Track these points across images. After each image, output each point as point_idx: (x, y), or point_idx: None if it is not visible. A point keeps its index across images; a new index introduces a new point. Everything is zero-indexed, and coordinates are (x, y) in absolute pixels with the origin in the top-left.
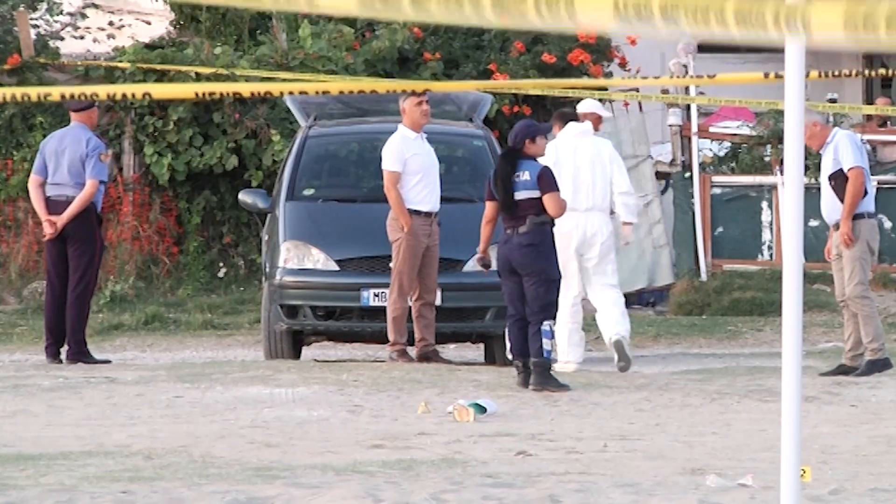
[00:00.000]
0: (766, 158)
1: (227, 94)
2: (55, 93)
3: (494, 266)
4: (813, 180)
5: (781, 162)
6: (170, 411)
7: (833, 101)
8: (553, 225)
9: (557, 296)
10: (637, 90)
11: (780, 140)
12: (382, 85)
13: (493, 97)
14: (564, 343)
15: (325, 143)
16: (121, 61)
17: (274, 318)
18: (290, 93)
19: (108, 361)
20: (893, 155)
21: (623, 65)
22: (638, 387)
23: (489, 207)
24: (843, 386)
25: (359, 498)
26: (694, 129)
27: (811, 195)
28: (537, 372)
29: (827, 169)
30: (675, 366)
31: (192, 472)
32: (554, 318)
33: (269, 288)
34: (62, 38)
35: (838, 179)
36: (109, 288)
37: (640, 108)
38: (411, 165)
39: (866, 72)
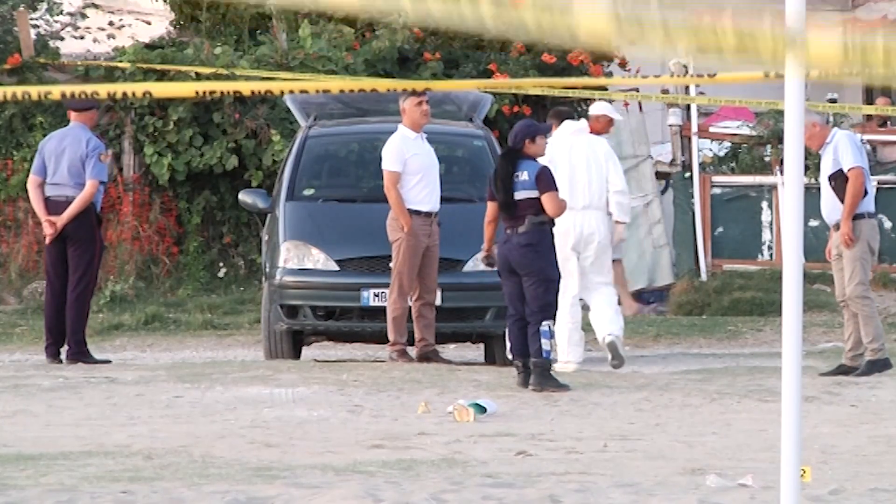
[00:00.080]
0: (766, 158)
1: (227, 92)
2: (55, 91)
3: None
4: (813, 180)
5: (781, 162)
6: (170, 411)
7: (833, 101)
8: (553, 225)
9: (557, 296)
10: (637, 90)
11: (780, 140)
12: (382, 84)
13: (493, 97)
14: (564, 343)
15: (325, 143)
16: (121, 61)
17: (274, 318)
18: (290, 91)
19: (108, 361)
20: (893, 155)
21: (623, 65)
22: (638, 387)
23: (491, 207)
24: (843, 386)
25: (359, 498)
26: (694, 129)
27: (811, 195)
28: (537, 372)
29: (827, 169)
30: (675, 366)
31: (192, 472)
32: (553, 318)
33: (269, 288)
34: (62, 38)
35: (838, 180)
36: (109, 288)
37: (640, 108)
38: (411, 165)
39: None
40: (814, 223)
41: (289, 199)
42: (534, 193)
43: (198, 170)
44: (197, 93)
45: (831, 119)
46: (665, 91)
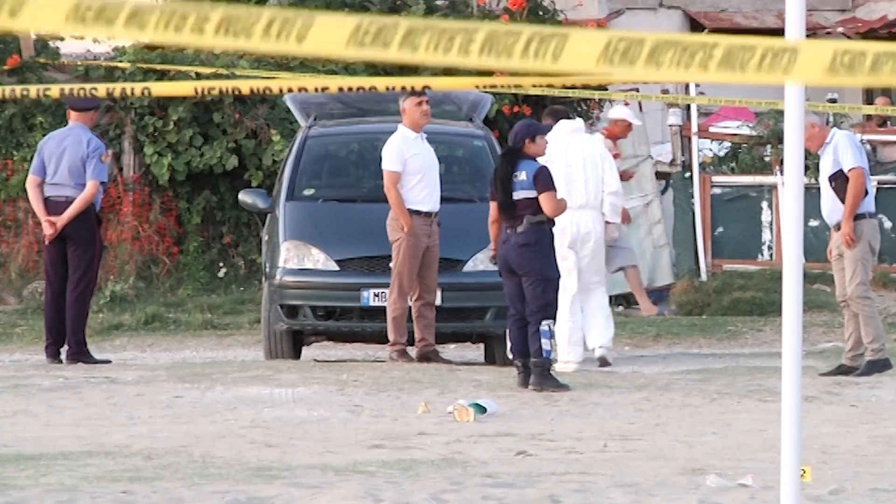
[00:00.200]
0: (766, 158)
1: (227, 90)
2: (54, 89)
3: None
4: (813, 180)
5: (781, 162)
6: (170, 411)
7: (833, 101)
8: (552, 224)
9: (556, 295)
10: (637, 90)
11: (780, 140)
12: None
13: (493, 97)
14: (564, 342)
15: (325, 143)
16: (121, 61)
17: (274, 318)
18: (290, 90)
19: (108, 361)
20: (893, 155)
21: None
22: (638, 387)
23: (493, 207)
24: (843, 386)
25: (359, 498)
26: (694, 129)
27: (811, 195)
28: (537, 372)
29: (827, 170)
30: (675, 366)
31: (192, 472)
32: (554, 318)
33: (269, 288)
34: (62, 38)
35: (838, 180)
36: (109, 288)
37: (640, 107)
38: (411, 165)
39: None
40: (814, 223)
41: (289, 199)
42: (532, 193)
43: (198, 170)
44: (196, 90)
45: (831, 119)
46: (665, 91)
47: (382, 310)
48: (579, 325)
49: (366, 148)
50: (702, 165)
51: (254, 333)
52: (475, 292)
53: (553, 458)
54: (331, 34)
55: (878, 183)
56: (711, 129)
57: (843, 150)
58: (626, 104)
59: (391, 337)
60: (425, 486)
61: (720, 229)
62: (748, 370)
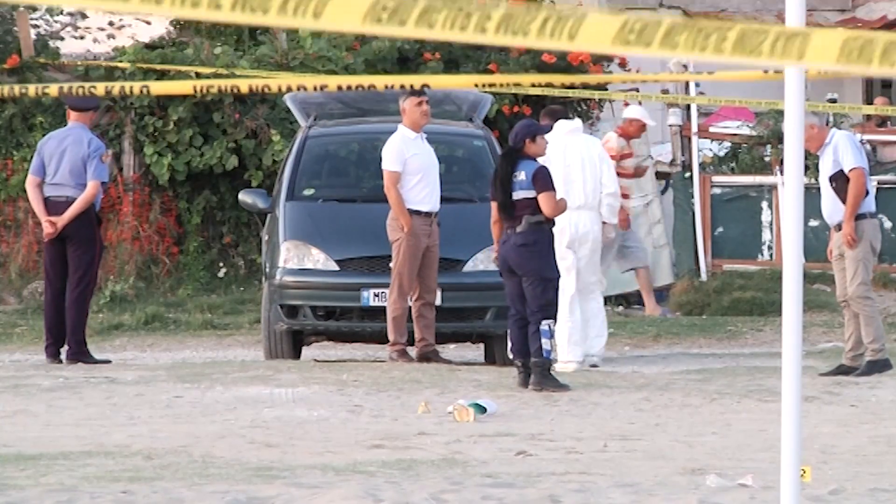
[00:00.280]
0: (766, 158)
1: (225, 89)
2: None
3: None
4: (813, 180)
5: (781, 162)
6: (170, 411)
7: (833, 101)
8: (552, 224)
9: (557, 295)
10: (637, 90)
11: (780, 140)
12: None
13: (493, 97)
14: (564, 342)
15: (325, 143)
16: (121, 61)
17: (274, 318)
18: (289, 88)
19: (108, 361)
20: (893, 155)
21: (623, 65)
22: (638, 387)
23: (494, 208)
24: (843, 386)
25: (359, 498)
26: (694, 129)
27: (811, 195)
28: (537, 372)
29: (827, 170)
30: (675, 366)
31: (192, 472)
32: (554, 318)
33: (269, 288)
34: (62, 38)
35: (839, 180)
36: (109, 288)
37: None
38: (411, 165)
39: None
40: (814, 223)
41: (289, 199)
42: (531, 193)
43: (198, 170)
44: (194, 89)
45: (831, 119)
46: (665, 91)
47: (382, 310)
48: (578, 325)
49: (366, 148)
50: (702, 165)
51: (254, 333)
52: (475, 292)
53: (553, 458)
54: (348, 9)
55: (878, 183)
56: (711, 129)
57: (843, 151)
58: (626, 105)
59: (391, 337)
60: (425, 486)
61: (720, 229)
62: (748, 370)
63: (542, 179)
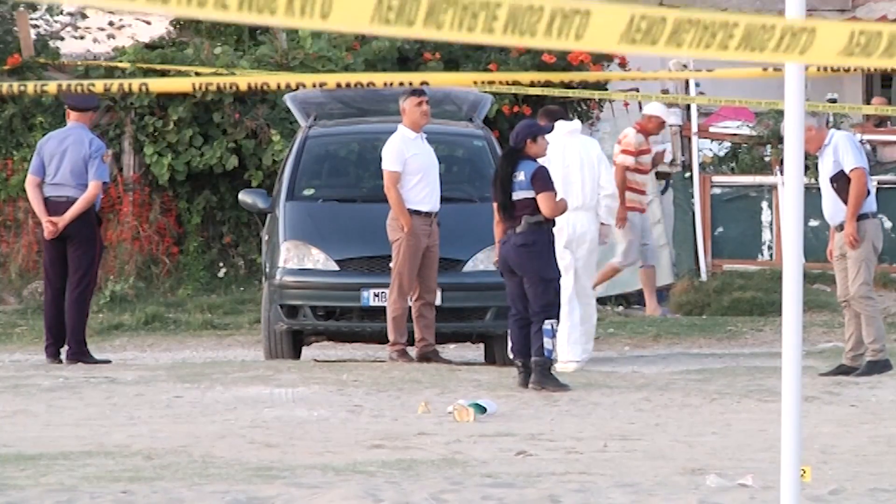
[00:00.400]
0: (766, 158)
1: (225, 87)
2: (52, 86)
3: None
4: (813, 180)
5: (781, 162)
6: (170, 411)
7: (833, 101)
8: (552, 224)
9: (558, 295)
10: (637, 90)
11: (780, 140)
12: (380, 77)
13: (493, 97)
14: (563, 342)
15: (325, 143)
16: (121, 61)
17: (274, 318)
18: (288, 86)
19: (108, 361)
20: (893, 155)
21: (623, 65)
22: (638, 387)
23: (496, 209)
24: (843, 386)
25: (359, 498)
26: (694, 129)
27: (811, 195)
28: (537, 371)
29: (828, 171)
30: (675, 366)
31: (192, 472)
32: (557, 318)
33: (269, 288)
34: (62, 38)
35: (840, 181)
36: (109, 288)
37: (640, 108)
38: (411, 165)
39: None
40: (814, 223)
41: (289, 199)
42: (530, 194)
43: (198, 170)
44: (194, 87)
45: (831, 119)
46: (665, 91)
47: (382, 310)
48: (578, 324)
49: (366, 148)
50: (702, 165)
51: (254, 333)
52: (475, 292)
53: (553, 458)
54: (354, 9)
55: (878, 183)
56: (711, 129)
57: (843, 151)
58: (626, 105)
59: (391, 337)
60: (425, 486)
61: (720, 229)
62: (748, 370)
63: (542, 180)
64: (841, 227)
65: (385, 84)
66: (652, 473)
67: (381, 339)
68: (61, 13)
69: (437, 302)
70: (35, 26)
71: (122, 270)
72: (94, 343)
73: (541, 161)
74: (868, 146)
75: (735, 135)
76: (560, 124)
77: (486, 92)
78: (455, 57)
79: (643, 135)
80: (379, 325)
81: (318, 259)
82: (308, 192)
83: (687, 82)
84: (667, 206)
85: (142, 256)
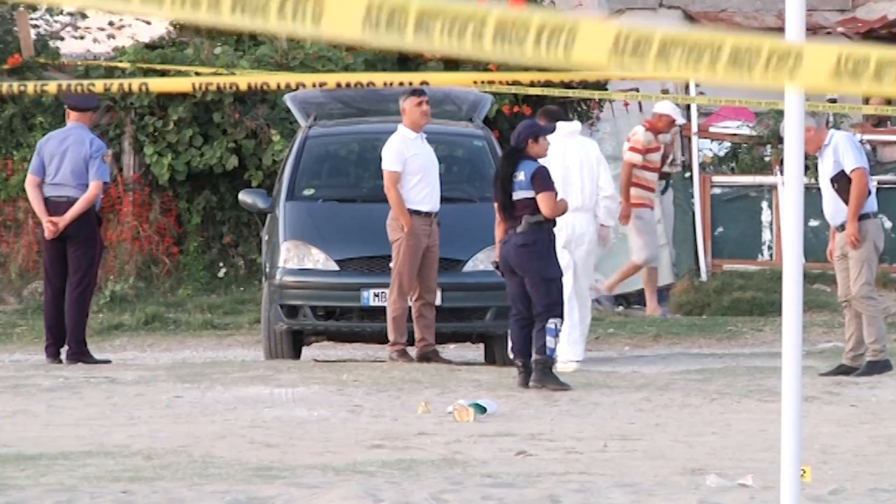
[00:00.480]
0: (766, 158)
1: (225, 87)
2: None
3: None
4: (813, 180)
5: (781, 162)
6: (170, 411)
7: (833, 101)
8: (553, 224)
9: (561, 294)
10: (637, 90)
11: (780, 140)
12: (380, 77)
13: (493, 97)
14: (563, 342)
15: (325, 143)
16: (121, 61)
17: (274, 318)
18: (288, 85)
19: (108, 361)
20: (893, 155)
21: None
22: (638, 387)
23: (497, 209)
24: (843, 386)
25: (359, 498)
26: (694, 129)
27: (811, 195)
28: (538, 369)
29: (828, 171)
30: (675, 366)
31: (192, 472)
32: (561, 317)
33: (269, 288)
34: (62, 38)
35: (841, 181)
36: (109, 288)
37: (640, 108)
38: (411, 165)
39: None
40: (814, 223)
41: (289, 199)
42: (530, 194)
43: (198, 170)
44: (194, 86)
45: (831, 120)
46: (665, 91)
47: (382, 310)
48: (577, 324)
49: (366, 148)
50: (702, 165)
51: (254, 333)
52: (475, 292)
53: (553, 458)
54: (344, 16)
55: (879, 183)
56: (711, 129)
57: (843, 152)
58: (626, 105)
59: (391, 337)
60: (425, 486)
61: (720, 229)
62: (748, 370)
63: (541, 179)
64: (842, 228)
65: (385, 84)
66: (652, 473)
67: (381, 339)
68: (61, 13)
69: (437, 302)
70: (35, 26)
71: (122, 270)
72: (94, 343)
73: (541, 162)
74: (868, 146)
75: (735, 135)
76: (560, 125)
77: (486, 92)
78: (455, 57)
79: (652, 133)
80: (379, 325)
81: (318, 259)
82: (308, 192)
83: (687, 82)
84: (667, 206)
85: (142, 256)
